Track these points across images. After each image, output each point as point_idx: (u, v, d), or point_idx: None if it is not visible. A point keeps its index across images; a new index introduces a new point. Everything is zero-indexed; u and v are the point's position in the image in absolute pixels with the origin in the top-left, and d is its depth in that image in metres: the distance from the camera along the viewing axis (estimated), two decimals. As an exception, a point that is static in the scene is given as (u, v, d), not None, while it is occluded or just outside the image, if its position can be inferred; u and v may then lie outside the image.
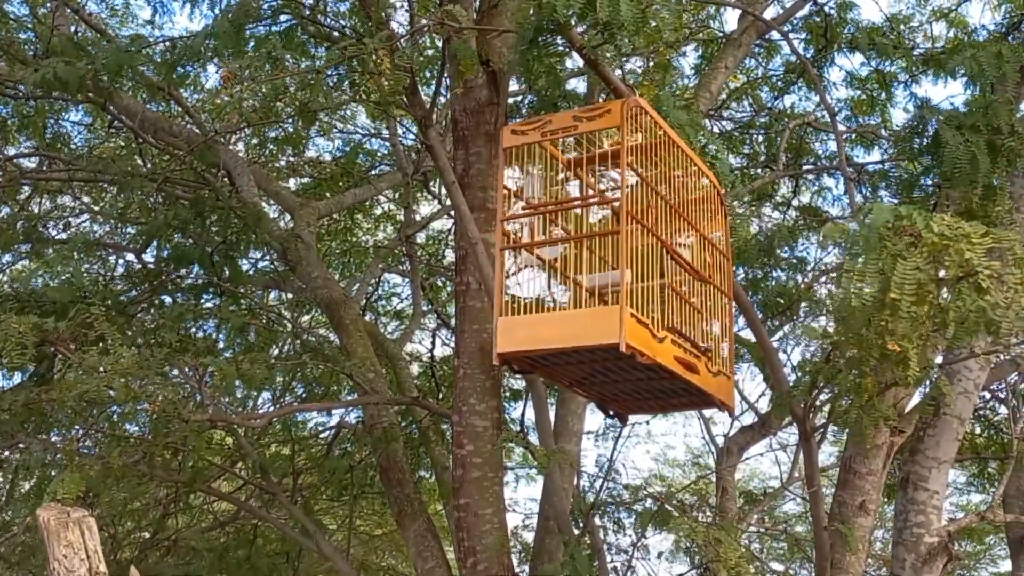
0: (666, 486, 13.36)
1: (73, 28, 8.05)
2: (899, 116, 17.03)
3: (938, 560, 6.13)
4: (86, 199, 9.79)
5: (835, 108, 7.72)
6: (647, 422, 12.90)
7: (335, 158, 10.74)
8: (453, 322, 8.36)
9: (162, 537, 10.84)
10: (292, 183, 10.80)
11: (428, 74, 8.94)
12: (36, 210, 9.43)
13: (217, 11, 6.74)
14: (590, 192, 4.40)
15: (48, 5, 7.93)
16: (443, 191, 10.39)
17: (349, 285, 10.47)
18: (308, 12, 6.40)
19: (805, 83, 8.83)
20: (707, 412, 11.20)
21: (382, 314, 11.86)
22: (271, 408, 9.85)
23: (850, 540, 6.07)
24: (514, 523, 11.75)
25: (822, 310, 7.86)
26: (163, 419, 5.57)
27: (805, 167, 9.32)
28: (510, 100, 7.83)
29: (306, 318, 10.94)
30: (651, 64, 7.23)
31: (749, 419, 8.97)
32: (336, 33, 6.65)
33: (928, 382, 5.75)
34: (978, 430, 8.68)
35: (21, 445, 6.55)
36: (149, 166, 8.77)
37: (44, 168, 9.02)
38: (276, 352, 9.47)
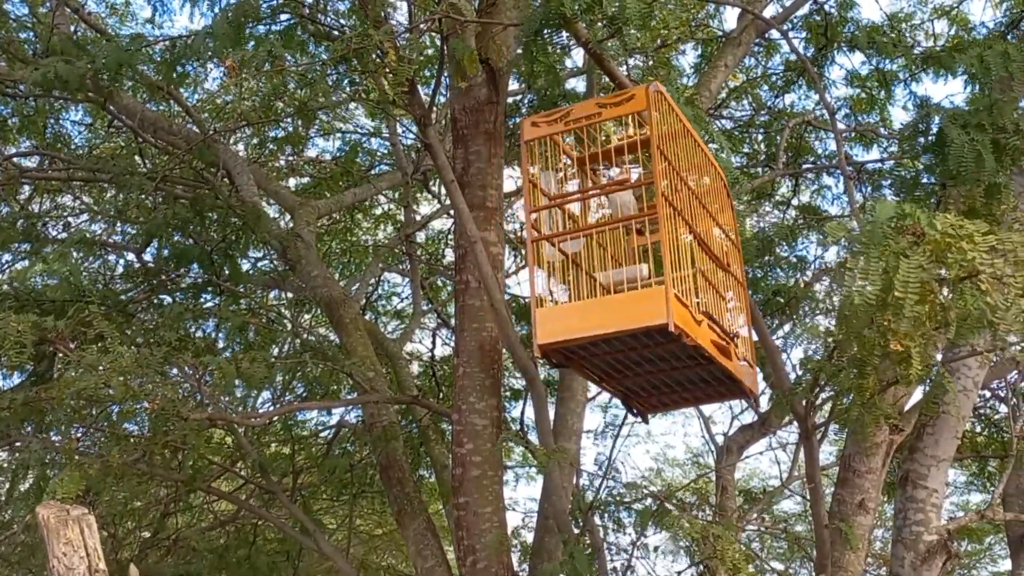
0: (666, 485, 13.37)
1: (73, 28, 8.04)
2: (898, 115, 17.03)
3: (937, 558, 6.13)
4: (86, 199, 9.79)
5: (834, 107, 7.72)
6: (647, 421, 12.89)
7: (335, 157, 10.74)
8: (453, 321, 8.36)
9: (162, 536, 10.83)
10: (292, 182, 10.80)
11: (427, 73, 8.94)
12: (36, 209, 9.43)
13: (217, 10, 6.75)
14: (598, 186, 4.39)
15: (47, 4, 7.93)
16: (443, 190, 10.39)
17: (349, 284, 10.47)
18: (307, 11, 6.40)
19: (805, 82, 8.83)
20: (707, 411, 11.21)
21: (382, 313, 11.87)
22: (271, 407, 9.85)
23: (850, 538, 6.07)
24: (514, 522, 11.78)
25: (822, 308, 7.86)
26: (162, 418, 5.56)
27: (805, 166, 9.32)
28: (509, 99, 7.83)
29: (306, 317, 10.94)
30: (652, 61, 7.24)
31: (749, 418, 8.98)
32: (336, 32, 6.65)
33: (928, 380, 5.74)
34: (978, 428, 8.68)
35: (19, 444, 6.55)
36: (149, 165, 8.77)
37: (44, 167, 9.02)
38: (276, 351, 9.47)
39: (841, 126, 8.19)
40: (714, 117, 9.31)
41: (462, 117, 6.47)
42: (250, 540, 10.42)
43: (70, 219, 9.55)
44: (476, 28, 6.04)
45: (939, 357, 6.14)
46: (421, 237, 11.34)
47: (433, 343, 11.03)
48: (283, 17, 6.18)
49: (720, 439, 9.53)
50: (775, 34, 8.27)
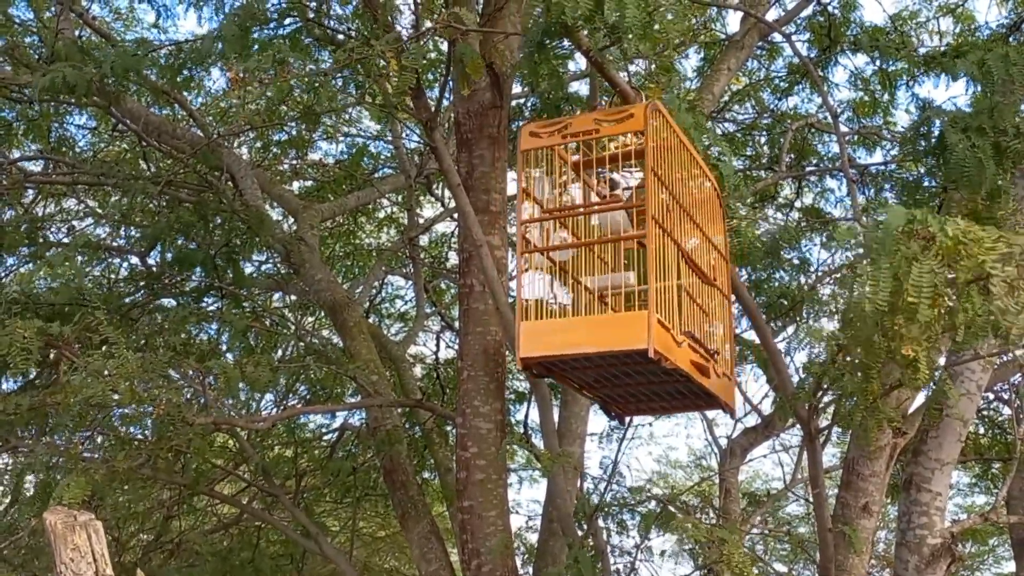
0: (670, 488, 13.37)
1: (77, 32, 8.05)
2: (901, 117, 17.03)
3: (941, 561, 6.13)
4: (90, 202, 9.81)
5: (837, 110, 7.73)
6: (650, 424, 12.92)
7: (338, 161, 10.75)
8: (457, 324, 8.37)
9: (165, 540, 10.85)
10: (295, 186, 10.82)
11: (431, 76, 8.95)
12: (39, 213, 9.45)
13: (221, 15, 6.76)
14: (596, 194, 4.41)
15: (52, 9, 7.94)
16: (446, 193, 10.40)
17: (352, 288, 10.48)
18: (313, 15, 6.41)
19: (808, 84, 8.83)
20: (711, 414, 11.21)
21: (385, 316, 11.88)
22: (274, 410, 9.86)
23: (854, 541, 6.08)
24: (517, 525, 11.77)
25: (826, 312, 7.86)
26: (167, 422, 5.58)
27: (808, 169, 9.32)
28: (512, 102, 7.84)
29: (309, 320, 10.95)
30: (655, 67, 7.23)
31: (752, 421, 8.98)
32: (341, 36, 6.66)
33: (932, 384, 5.75)
34: (981, 431, 8.68)
35: (22, 449, 6.57)
36: (153, 169, 8.78)
37: (48, 171, 9.03)
38: (279, 354, 9.48)
39: (844, 129, 8.19)
40: (717, 120, 9.33)
41: (466, 121, 6.48)
42: (253, 543, 10.44)
43: (74, 223, 9.56)
44: (479, 35, 6.05)
45: (942, 361, 6.15)
46: (424, 240, 11.35)
47: (437, 346, 11.06)
48: (288, 21, 6.20)
49: (723, 441, 9.53)
50: (778, 37, 8.27)
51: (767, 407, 8.91)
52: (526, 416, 8.45)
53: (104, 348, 5.63)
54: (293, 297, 10.03)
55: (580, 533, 5.93)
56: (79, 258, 7.87)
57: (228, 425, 6.42)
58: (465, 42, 5.34)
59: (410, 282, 11.28)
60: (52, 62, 6.48)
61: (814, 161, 9.30)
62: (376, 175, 10.70)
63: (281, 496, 8.04)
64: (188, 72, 5.88)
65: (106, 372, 5.06)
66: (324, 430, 10.90)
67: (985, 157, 5.18)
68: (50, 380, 7.05)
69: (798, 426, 6.73)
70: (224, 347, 8.47)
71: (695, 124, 4.67)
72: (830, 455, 10.85)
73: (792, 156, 8.90)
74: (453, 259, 11.08)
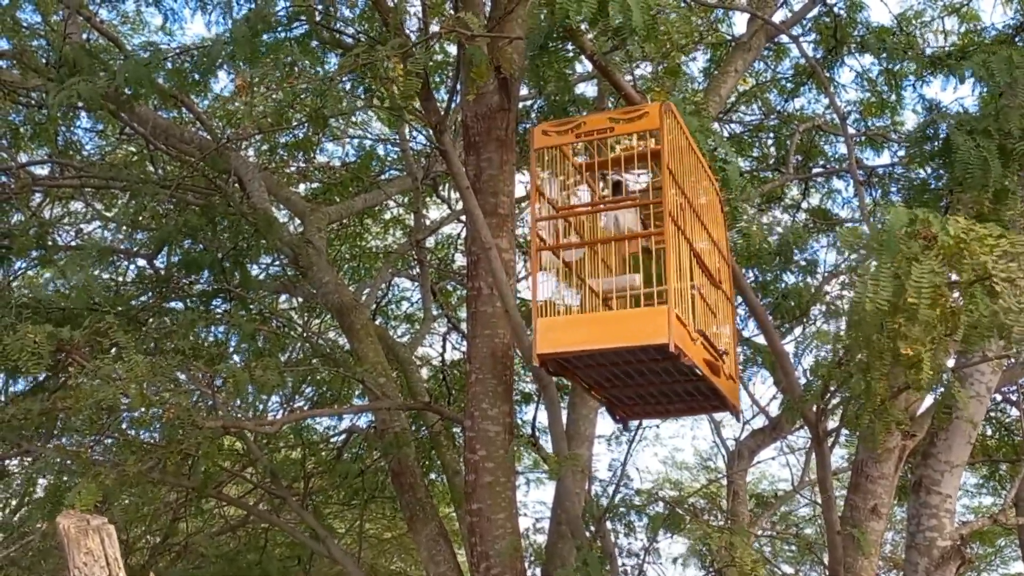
0: (678, 490, 13.36)
1: (85, 35, 8.07)
2: (908, 118, 17.01)
3: (951, 563, 6.13)
4: (98, 205, 9.82)
5: (844, 111, 7.71)
6: (657, 425, 12.92)
7: (345, 163, 10.76)
8: (464, 326, 8.37)
9: (173, 542, 10.87)
10: (302, 188, 10.83)
11: (438, 78, 8.96)
12: (47, 216, 9.47)
13: (228, 19, 6.78)
14: (598, 198, 4.42)
15: (60, 13, 7.96)
16: (453, 195, 10.41)
17: (359, 290, 10.49)
18: (320, 18, 6.42)
19: (815, 85, 8.83)
20: (718, 416, 11.20)
21: (392, 318, 11.88)
22: (280, 411, 9.87)
23: (863, 544, 6.07)
24: (525, 527, 11.77)
25: (834, 313, 7.86)
26: (177, 426, 5.59)
27: (815, 170, 9.32)
28: (520, 105, 7.84)
29: (316, 322, 10.96)
30: (661, 69, 7.23)
31: (760, 423, 8.98)
32: (349, 39, 6.67)
33: (940, 386, 5.74)
34: (989, 432, 8.67)
35: (33, 452, 6.58)
36: (160, 172, 8.80)
37: (56, 175, 9.05)
38: (286, 357, 9.49)
39: (851, 130, 8.18)
40: (723, 122, 9.32)
41: (474, 124, 6.48)
42: (261, 545, 10.45)
43: (82, 226, 9.58)
44: (487, 38, 6.05)
45: (951, 364, 6.14)
46: (431, 242, 11.35)
47: (444, 348, 11.06)
48: (295, 25, 6.21)
49: (731, 443, 9.53)
50: (785, 37, 8.27)
51: (774, 409, 8.91)
52: (534, 418, 8.44)
53: (114, 352, 5.65)
54: (300, 299, 10.04)
55: (588, 535, 5.93)
56: (91, 266, 7.89)
57: (237, 428, 6.43)
58: (473, 45, 5.35)
59: (417, 284, 11.29)
60: (60, 67, 6.51)
61: (821, 162, 9.30)
62: (383, 177, 10.70)
63: (289, 499, 8.04)
64: (197, 77, 5.89)
65: (116, 376, 5.07)
66: (331, 432, 10.92)
67: (991, 158, 5.19)
68: (59, 383, 7.07)
69: (805, 428, 6.73)
70: (232, 349, 8.48)
71: (701, 127, 4.68)
72: (838, 456, 10.83)
73: (799, 157, 8.89)
74: (460, 261, 11.09)
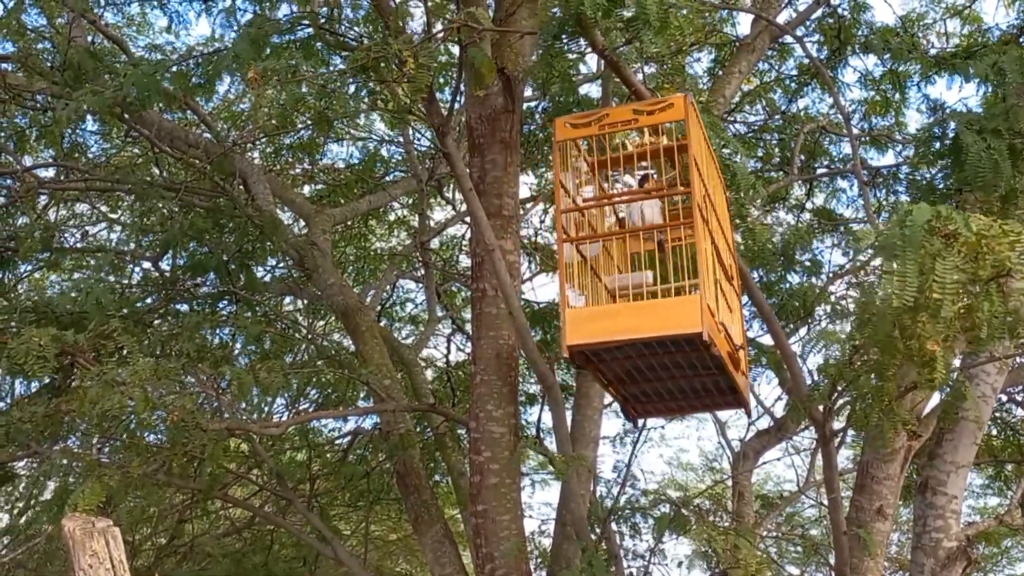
0: (683, 491, 13.35)
1: (90, 38, 8.09)
2: (912, 117, 16.98)
3: (957, 564, 6.12)
4: (103, 207, 9.84)
5: (849, 111, 7.71)
6: (662, 426, 12.90)
7: (349, 165, 10.77)
8: (468, 327, 8.37)
9: (179, 543, 10.88)
10: (306, 190, 10.84)
11: (441, 80, 8.96)
12: (52, 218, 9.48)
13: (233, 21, 6.78)
14: (630, 192, 4.42)
15: (65, 16, 7.97)
16: (457, 197, 10.41)
17: (364, 291, 10.50)
18: (324, 22, 6.42)
19: (819, 85, 8.82)
20: (723, 416, 11.19)
21: (397, 320, 11.89)
22: (286, 413, 9.89)
23: (869, 544, 6.06)
24: (530, 528, 11.76)
25: (839, 314, 7.85)
26: (182, 428, 5.59)
27: (819, 170, 9.31)
28: (524, 107, 7.84)
29: (321, 324, 10.97)
30: (668, 67, 7.24)
31: (765, 423, 8.96)
32: (353, 42, 6.67)
33: (947, 387, 5.74)
34: (994, 433, 8.65)
35: (39, 454, 6.59)
36: (165, 175, 8.81)
37: (62, 178, 9.07)
38: (291, 358, 9.49)
39: (856, 131, 8.17)
40: (728, 122, 9.31)
41: (478, 126, 6.48)
42: (266, 547, 10.45)
43: (87, 228, 9.60)
44: (493, 37, 6.05)
45: (957, 363, 6.13)
46: (436, 244, 11.36)
47: (448, 349, 11.07)
48: (300, 28, 6.21)
49: (736, 444, 9.52)
50: (789, 38, 8.26)
51: (779, 410, 8.90)
52: (539, 420, 8.45)
53: (118, 355, 5.66)
54: (305, 301, 10.05)
55: (594, 537, 5.93)
56: (103, 273, 7.90)
57: (242, 430, 6.43)
58: (477, 45, 5.35)
59: (421, 285, 11.29)
60: (65, 70, 6.52)
61: (825, 162, 9.29)
62: (387, 179, 10.71)
63: (294, 500, 8.05)
64: (203, 81, 5.89)
65: (120, 379, 5.07)
66: (337, 434, 10.92)
67: (1001, 158, 5.17)
68: (64, 386, 7.08)
69: (811, 429, 6.72)
70: (237, 351, 8.49)
71: (711, 123, 4.68)
72: (844, 458, 10.82)
73: (803, 157, 8.88)
74: (464, 262, 11.09)
